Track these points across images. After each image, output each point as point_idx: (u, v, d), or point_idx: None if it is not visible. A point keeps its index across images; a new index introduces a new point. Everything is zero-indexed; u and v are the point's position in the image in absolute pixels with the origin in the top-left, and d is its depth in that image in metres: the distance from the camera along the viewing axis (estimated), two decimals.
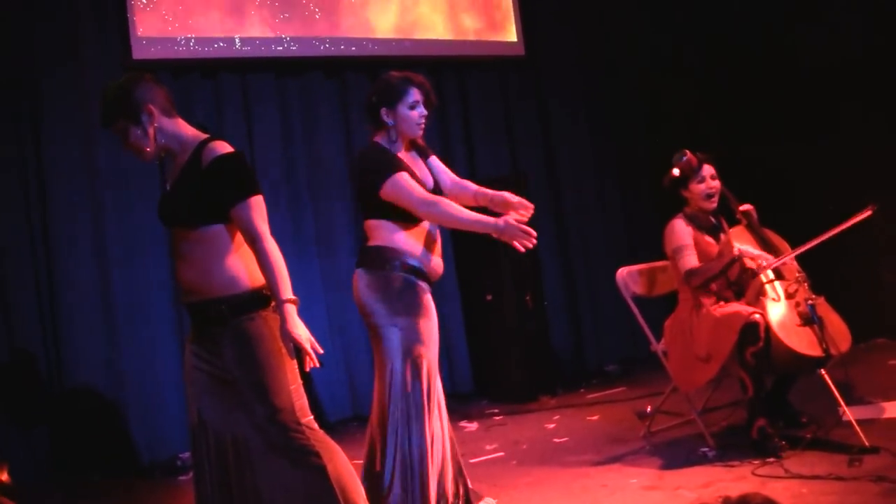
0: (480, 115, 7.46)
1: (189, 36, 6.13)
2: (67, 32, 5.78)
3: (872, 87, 6.78)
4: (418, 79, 4.07)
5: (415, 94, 4.03)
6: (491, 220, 3.74)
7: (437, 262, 4.02)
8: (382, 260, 3.88)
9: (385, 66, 6.89)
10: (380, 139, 4.04)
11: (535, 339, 6.88)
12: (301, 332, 3.08)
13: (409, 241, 3.93)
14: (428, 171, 4.14)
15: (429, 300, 3.97)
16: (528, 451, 5.21)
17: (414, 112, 4.01)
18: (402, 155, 4.03)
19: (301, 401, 3.19)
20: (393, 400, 3.83)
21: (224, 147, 3.18)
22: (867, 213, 4.53)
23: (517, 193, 4.04)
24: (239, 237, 3.19)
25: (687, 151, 4.80)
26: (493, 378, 7.00)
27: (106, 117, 3.24)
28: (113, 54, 5.91)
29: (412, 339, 3.85)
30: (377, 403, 3.96)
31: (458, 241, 7.15)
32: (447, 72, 7.38)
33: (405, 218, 3.91)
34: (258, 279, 3.18)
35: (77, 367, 5.63)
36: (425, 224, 3.97)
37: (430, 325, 3.93)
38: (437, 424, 3.88)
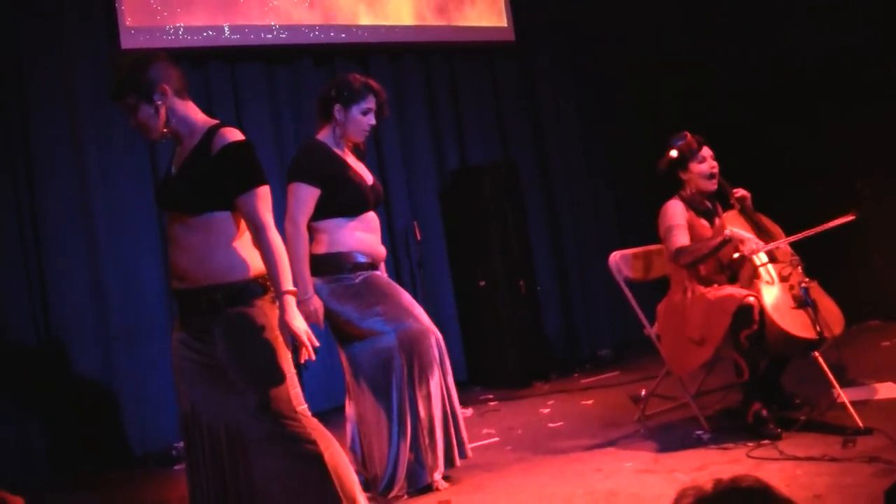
0: (470, 102, 7.45)
1: (177, 25, 6.10)
2: (53, 22, 5.74)
3: (868, 73, 6.77)
4: (378, 88, 4.32)
5: (371, 102, 4.28)
6: (308, 290, 4.04)
7: (380, 249, 4.33)
8: (335, 267, 4.16)
9: (375, 54, 6.95)
10: (324, 137, 4.27)
11: (529, 324, 6.89)
12: (299, 324, 3.08)
13: (354, 236, 4.20)
14: (368, 171, 4.39)
15: (386, 279, 4.32)
16: (523, 436, 5.21)
17: (365, 118, 4.28)
18: (346, 155, 4.29)
19: (295, 389, 3.18)
20: (396, 372, 4.08)
21: (235, 134, 3.16)
22: (849, 218, 4.55)
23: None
24: (238, 226, 3.18)
25: (686, 133, 4.79)
26: (486, 364, 7.00)
27: (117, 91, 3.18)
28: (100, 44, 5.88)
29: (394, 316, 4.12)
30: (369, 392, 4.07)
31: (450, 227, 7.15)
32: (437, 59, 7.36)
33: (350, 211, 4.19)
34: (256, 268, 3.17)
35: (70, 357, 5.62)
36: (369, 214, 4.26)
37: (400, 298, 4.21)
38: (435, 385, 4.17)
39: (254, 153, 3.20)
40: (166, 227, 3.34)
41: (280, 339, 3.13)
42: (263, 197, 3.14)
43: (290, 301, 3.08)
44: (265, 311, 3.15)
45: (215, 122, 3.24)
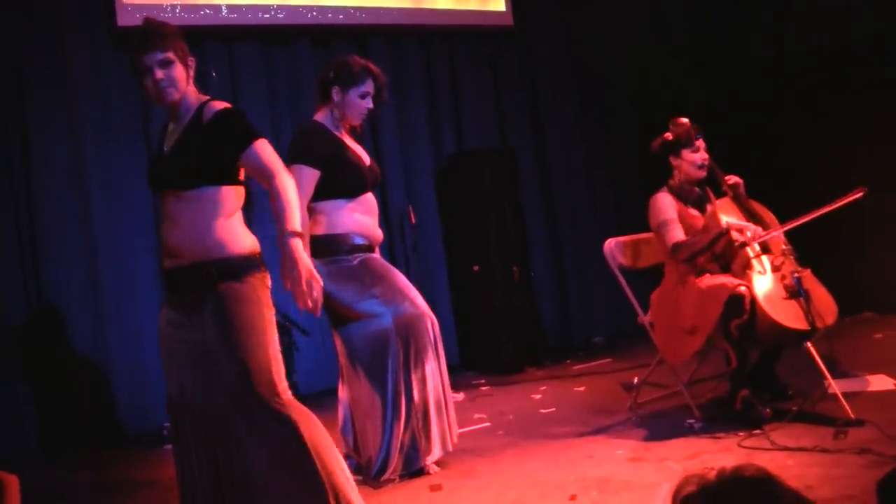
0: (469, 86, 7.44)
1: (175, 3, 6.06)
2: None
3: (868, 65, 6.77)
4: (377, 72, 4.31)
5: (369, 86, 4.28)
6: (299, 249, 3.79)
7: (377, 231, 4.33)
8: (333, 248, 4.15)
9: (374, 36, 6.92)
10: (322, 118, 4.27)
11: (522, 310, 6.89)
12: (307, 263, 3.01)
13: (352, 218, 4.20)
14: (365, 152, 4.39)
15: (383, 261, 4.32)
16: (515, 421, 5.22)
17: (363, 102, 4.30)
18: (344, 136, 4.29)
19: (279, 368, 3.17)
20: (391, 355, 4.09)
21: (222, 104, 3.19)
22: (857, 195, 4.50)
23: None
24: (232, 202, 3.17)
25: (687, 120, 4.78)
26: (479, 349, 7.01)
27: (163, 40, 3.19)
28: (97, 20, 5.86)
29: (391, 299, 4.13)
30: (364, 374, 4.06)
31: (445, 212, 7.14)
32: (436, 42, 7.34)
33: (349, 193, 4.18)
34: (250, 245, 3.16)
35: (63, 337, 5.61)
36: (367, 196, 4.26)
37: (397, 281, 4.22)
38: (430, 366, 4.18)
39: (244, 115, 3.21)
40: (160, 207, 3.33)
41: (269, 317, 3.12)
42: (264, 147, 3.14)
43: (297, 243, 3.02)
44: (257, 288, 3.14)
45: (205, 98, 3.25)
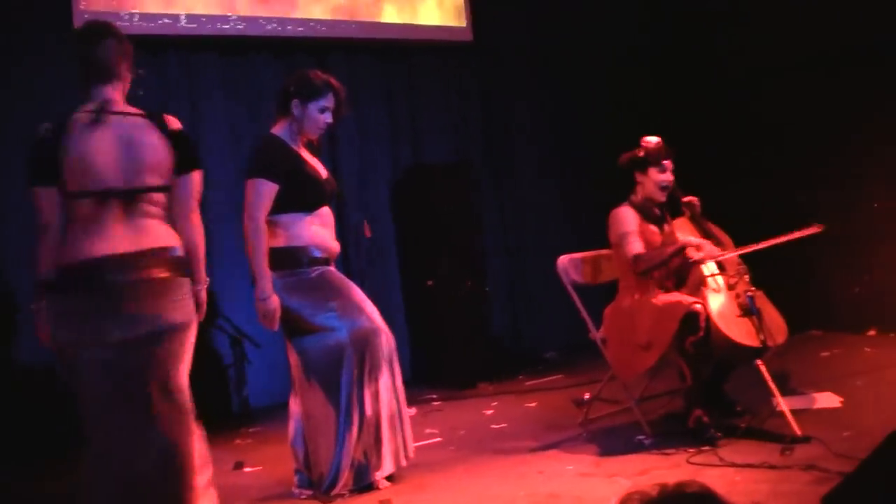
0: (427, 101, 7.46)
1: (133, 11, 6.02)
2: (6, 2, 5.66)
3: (827, 84, 6.89)
4: (338, 87, 4.29)
5: (329, 100, 4.27)
6: (268, 288, 4.03)
7: (335, 244, 4.32)
8: (292, 261, 4.14)
9: (333, 49, 6.91)
10: (279, 131, 4.25)
11: (475, 325, 6.90)
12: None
13: (311, 231, 4.19)
14: (322, 165, 4.39)
15: (340, 275, 4.32)
16: (466, 436, 5.21)
17: (322, 116, 4.28)
18: (301, 150, 4.28)
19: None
20: (346, 369, 4.07)
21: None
22: (814, 230, 4.61)
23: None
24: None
25: (661, 139, 4.82)
26: (431, 363, 7.01)
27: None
28: (53, 28, 5.79)
29: (347, 313, 4.12)
30: (318, 387, 4.05)
31: (401, 226, 7.14)
32: (395, 56, 7.35)
33: (307, 206, 4.18)
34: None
35: (25, 345, 5.54)
36: (325, 209, 4.26)
37: (353, 296, 4.21)
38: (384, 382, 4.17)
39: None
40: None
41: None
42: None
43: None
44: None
45: None
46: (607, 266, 5.18)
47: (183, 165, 3.26)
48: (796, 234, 4.62)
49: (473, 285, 6.89)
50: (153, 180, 3.18)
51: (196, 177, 3.30)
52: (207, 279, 3.44)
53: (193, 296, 3.31)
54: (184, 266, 3.24)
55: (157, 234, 3.18)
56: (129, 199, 3.14)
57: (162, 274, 3.14)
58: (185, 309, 3.23)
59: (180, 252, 3.24)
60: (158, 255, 3.15)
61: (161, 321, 3.13)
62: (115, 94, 3.28)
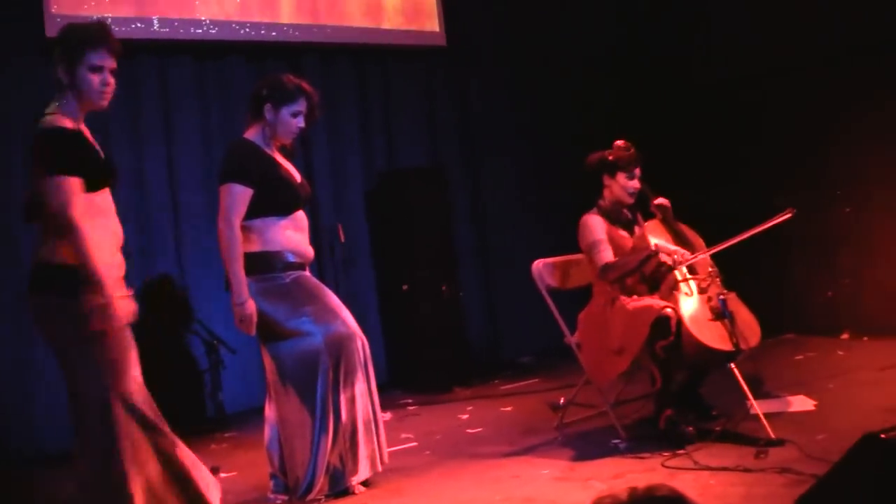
0: (401, 105, 7.44)
1: (105, 15, 5.97)
2: None
3: (801, 87, 6.94)
4: (310, 91, 4.30)
5: (302, 105, 4.27)
6: (244, 293, 4.03)
7: (309, 249, 4.32)
8: (266, 266, 4.13)
9: (307, 53, 6.89)
10: (253, 135, 4.25)
11: (451, 329, 6.90)
12: None
13: (285, 235, 4.19)
14: (296, 169, 4.38)
15: (315, 280, 4.31)
16: (442, 441, 5.21)
17: (294, 120, 4.28)
18: (275, 154, 4.28)
19: None
20: (322, 374, 4.06)
21: None
22: (786, 216, 4.61)
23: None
24: None
25: (631, 145, 4.82)
26: (407, 368, 6.99)
27: (118, 54, 3.35)
28: (23, 32, 5.74)
29: (322, 318, 4.11)
30: (293, 392, 4.03)
31: (375, 230, 7.13)
32: (369, 60, 7.33)
33: (282, 210, 4.17)
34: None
35: None
36: (299, 213, 4.25)
37: (328, 300, 4.20)
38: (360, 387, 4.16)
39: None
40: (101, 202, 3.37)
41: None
42: None
43: None
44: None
45: None
46: (580, 270, 5.19)
47: None
48: (769, 223, 4.62)
49: (448, 290, 6.88)
50: None
51: None
52: None
53: None
54: None
55: None
56: None
57: None
58: None
59: None
60: None
61: None
62: None
